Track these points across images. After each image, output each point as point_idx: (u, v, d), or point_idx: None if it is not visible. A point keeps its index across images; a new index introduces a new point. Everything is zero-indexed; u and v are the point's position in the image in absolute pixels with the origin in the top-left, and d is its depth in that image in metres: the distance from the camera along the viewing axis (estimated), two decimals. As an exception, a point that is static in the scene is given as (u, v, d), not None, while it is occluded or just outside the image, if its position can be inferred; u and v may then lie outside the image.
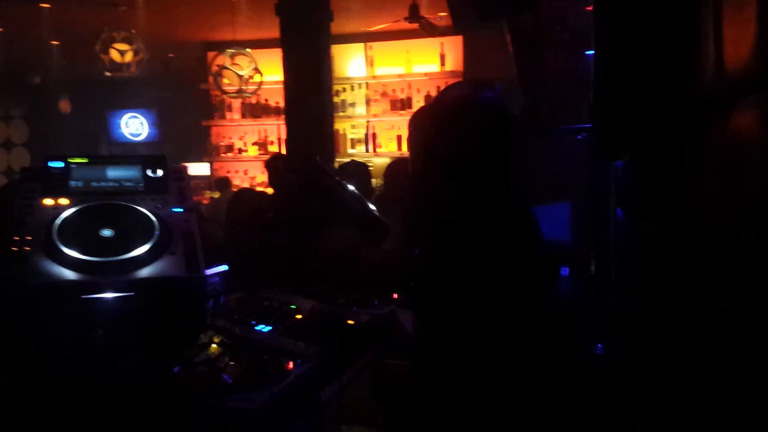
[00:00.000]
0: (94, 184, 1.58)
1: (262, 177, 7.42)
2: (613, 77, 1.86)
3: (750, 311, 0.97)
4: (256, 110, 7.87)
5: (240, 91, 6.88)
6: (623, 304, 2.16)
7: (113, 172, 1.61)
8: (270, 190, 4.82)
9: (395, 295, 2.23)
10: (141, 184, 1.60)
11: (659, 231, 1.74)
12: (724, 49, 1.37)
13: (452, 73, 7.03)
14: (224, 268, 2.07)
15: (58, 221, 1.43)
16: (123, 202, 1.53)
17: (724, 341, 1.13)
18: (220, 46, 6.96)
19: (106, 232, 1.44)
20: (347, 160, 7.27)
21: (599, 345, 2.19)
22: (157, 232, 1.45)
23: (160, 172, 1.63)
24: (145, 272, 1.39)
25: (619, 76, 1.85)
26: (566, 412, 1.88)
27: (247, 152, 8.01)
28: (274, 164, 4.62)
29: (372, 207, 2.36)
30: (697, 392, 1.35)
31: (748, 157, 1.16)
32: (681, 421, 1.45)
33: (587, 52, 3.15)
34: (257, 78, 6.83)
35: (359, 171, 4.47)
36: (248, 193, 4.60)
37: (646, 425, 1.68)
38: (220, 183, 7.55)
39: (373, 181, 5.14)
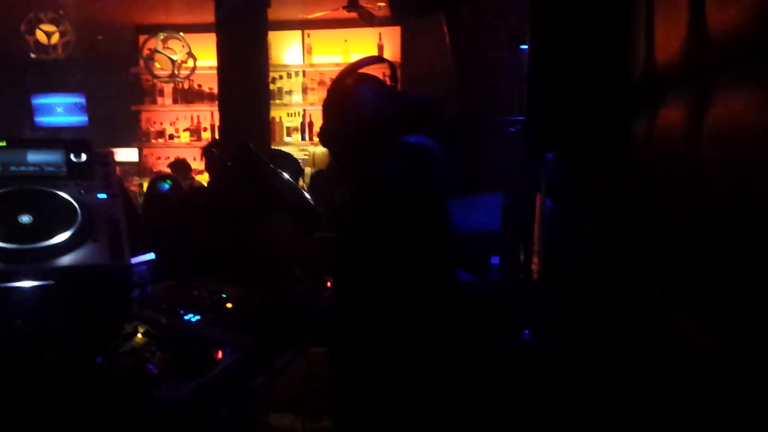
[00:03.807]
0: (13, 168, 1.52)
1: (195, 164, 7.27)
2: (547, 71, 1.90)
3: (677, 298, 0.99)
4: (188, 96, 7.68)
5: (172, 76, 6.72)
6: (551, 291, 2.21)
7: (34, 156, 1.55)
8: (206, 177, 4.72)
9: (329, 284, 2.22)
10: (63, 169, 1.55)
11: (587, 222, 1.78)
12: (654, 44, 1.41)
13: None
14: (151, 256, 2.02)
15: (-27, 207, 1.37)
16: (43, 187, 1.47)
17: (650, 328, 1.16)
18: (152, 30, 6.77)
19: (25, 219, 1.39)
20: (284, 148, 7.22)
21: (526, 331, 2.23)
22: (79, 219, 1.41)
23: (83, 157, 1.57)
24: (65, 260, 1.35)
25: (552, 70, 1.88)
26: (492, 396, 1.92)
27: (179, 138, 7.83)
28: (209, 151, 4.50)
29: (307, 195, 2.35)
30: (622, 379, 1.38)
31: (675, 149, 1.19)
32: (606, 406, 1.49)
33: (522, 47, 3.20)
34: (190, 63, 6.68)
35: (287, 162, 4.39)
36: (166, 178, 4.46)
37: (573, 410, 1.72)
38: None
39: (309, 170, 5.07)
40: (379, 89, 2.15)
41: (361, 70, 2.18)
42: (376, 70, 2.22)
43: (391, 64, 2.25)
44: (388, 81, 2.20)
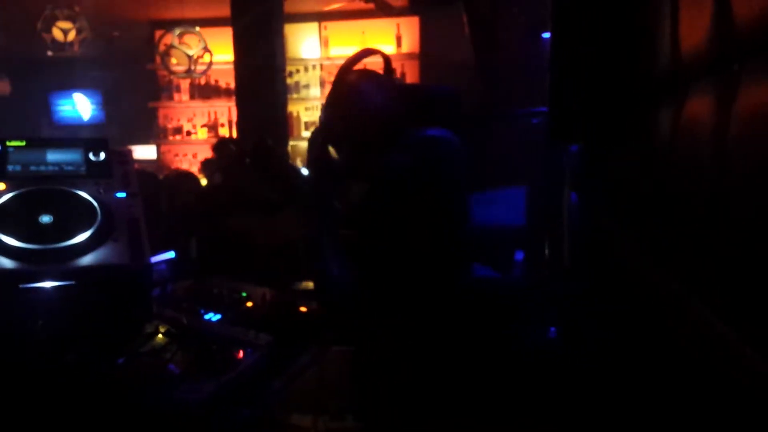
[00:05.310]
0: (32, 167, 1.51)
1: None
2: (569, 61, 1.86)
3: (697, 297, 0.97)
4: (205, 91, 7.69)
5: (188, 72, 6.72)
6: (577, 287, 2.18)
7: (53, 156, 1.55)
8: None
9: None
10: (82, 168, 1.54)
11: (611, 215, 1.75)
12: (679, 33, 1.37)
13: (409, 54, 6.92)
14: (171, 255, 2.02)
15: (-6, 207, 1.36)
16: (63, 187, 1.47)
17: (668, 326, 1.14)
18: (168, 25, 6.78)
19: (46, 219, 1.38)
20: (302, 143, 7.21)
21: (552, 329, 2.21)
22: (98, 218, 1.40)
23: (102, 156, 1.57)
24: (86, 260, 1.34)
25: (575, 59, 1.85)
26: (511, 394, 1.90)
27: (196, 135, 7.84)
28: (223, 148, 4.49)
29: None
30: (639, 376, 1.36)
31: (702, 140, 1.16)
32: (625, 404, 1.46)
33: (544, 35, 3.16)
34: (207, 58, 6.68)
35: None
36: (189, 177, 4.46)
37: (596, 408, 1.70)
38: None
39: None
40: (377, 84, 2.13)
41: (360, 66, 2.16)
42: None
43: (385, 56, 2.23)
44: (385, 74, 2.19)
